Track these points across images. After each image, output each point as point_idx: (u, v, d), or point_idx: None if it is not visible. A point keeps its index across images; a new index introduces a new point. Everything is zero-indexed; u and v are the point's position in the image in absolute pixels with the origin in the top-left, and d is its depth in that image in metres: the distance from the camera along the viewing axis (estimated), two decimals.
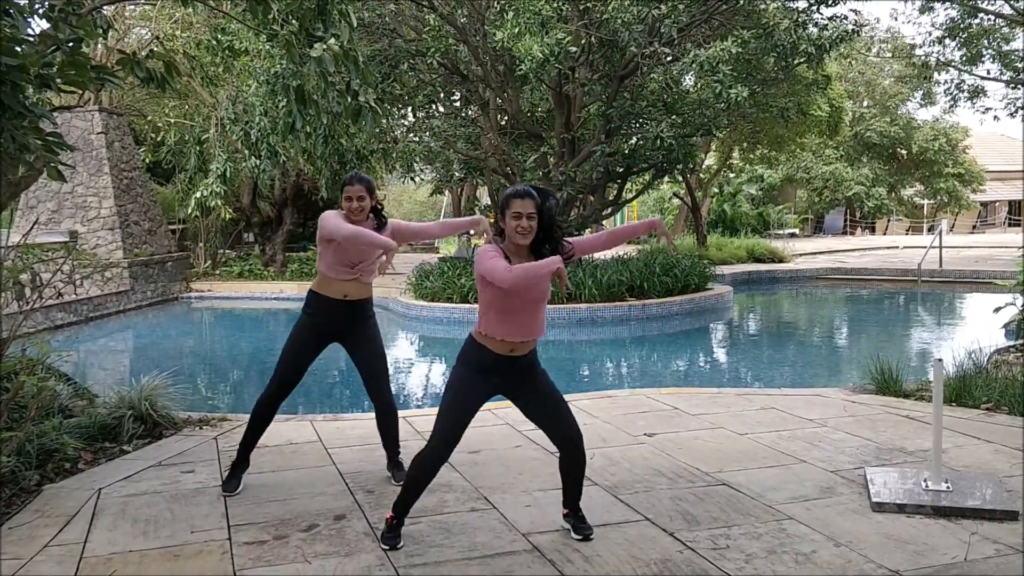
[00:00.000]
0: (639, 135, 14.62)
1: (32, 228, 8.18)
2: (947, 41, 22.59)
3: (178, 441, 5.82)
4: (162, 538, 4.10)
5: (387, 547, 3.92)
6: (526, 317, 3.76)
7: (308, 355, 4.82)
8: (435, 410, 7.02)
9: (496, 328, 3.76)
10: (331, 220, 4.53)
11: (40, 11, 4.08)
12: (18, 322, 5.53)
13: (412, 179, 17.81)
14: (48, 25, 4.05)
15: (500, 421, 6.23)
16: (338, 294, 4.71)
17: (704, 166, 26.68)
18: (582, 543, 3.95)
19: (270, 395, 4.79)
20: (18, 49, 3.63)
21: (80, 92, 16.41)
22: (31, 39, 3.93)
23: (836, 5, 13.84)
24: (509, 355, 3.80)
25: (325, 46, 4.79)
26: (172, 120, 18.30)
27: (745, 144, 25.26)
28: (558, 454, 4.06)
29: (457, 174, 18.00)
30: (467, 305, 14.03)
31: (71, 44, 4.04)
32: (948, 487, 4.43)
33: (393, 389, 5.05)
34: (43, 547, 4.01)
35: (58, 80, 3.97)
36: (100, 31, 4.60)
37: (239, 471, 4.87)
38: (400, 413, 5.13)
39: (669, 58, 12.63)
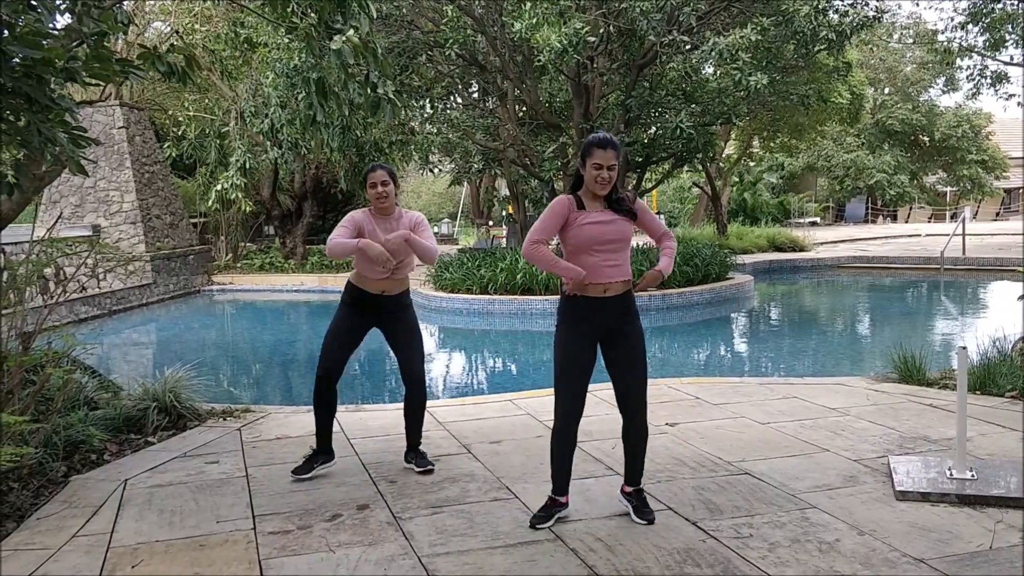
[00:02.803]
0: (658, 124, 14.55)
1: (56, 222, 8.27)
2: (970, 26, 22.30)
3: (202, 432, 5.88)
4: (188, 528, 4.15)
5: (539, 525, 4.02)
6: (603, 260, 3.92)
7: (348, 342, 4.93)
8: (456, 401, 7.10)
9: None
10: (336, 240, 4.69)
11: (63, 5, 4.11)
12: (43, 316, 5.60)
13: (431, 170, 17.85)
14: (72, 19, 4.08)
15: (521, 411, 6.25)
16: (375, 290, 4.85)
17: (724, 155, 26.53)
18: (618, 532, 3.96)
19: (316, 383, 4.90)
20: (44, 43, 3.66)
21: (102, 87, 16.56)
22: (56, 33, 3.96)
23: None
24: (602, 296, 3.95)
25: (344, 38, 4.80)
26: (192, 114, 18.41)
27: (765, 132, 25.11)
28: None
29: (476, 165, 18.02)
30: (487, 296, 14.04)
31: (94, 38, 4.07)
32: (973, 475, 4.40)
33: None
34: (71, 537, 4.06)
35: (83, 73, 4.00)
36: (122, 25, 4.63)
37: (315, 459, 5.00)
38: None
39: (688, 46, 12.56)
